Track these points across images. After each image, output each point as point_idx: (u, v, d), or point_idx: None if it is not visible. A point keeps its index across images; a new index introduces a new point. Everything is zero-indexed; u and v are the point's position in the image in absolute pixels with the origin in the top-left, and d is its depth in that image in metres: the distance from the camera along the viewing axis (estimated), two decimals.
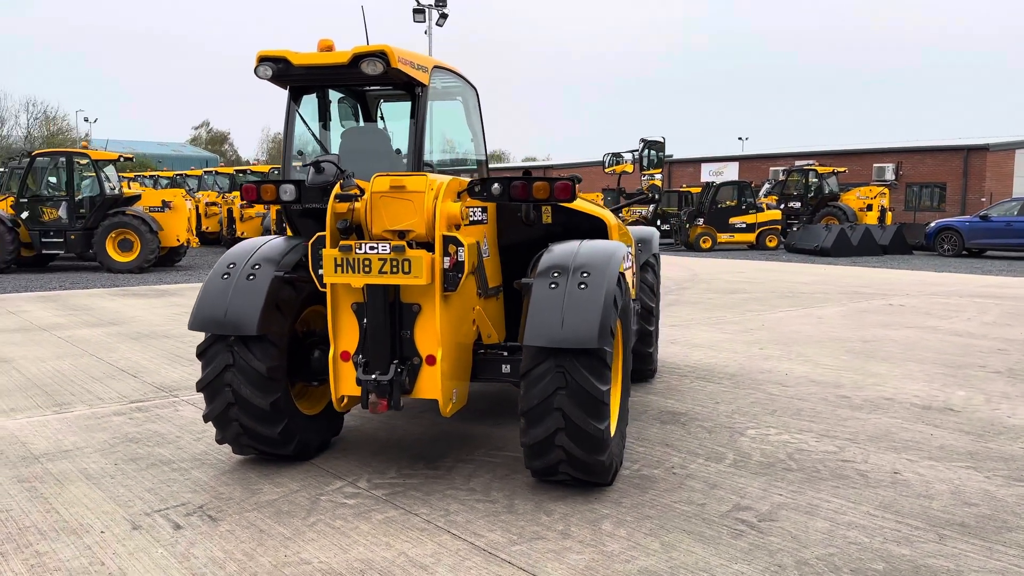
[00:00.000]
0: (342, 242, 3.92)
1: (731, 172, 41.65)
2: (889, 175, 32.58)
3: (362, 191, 4.02)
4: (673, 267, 18.13)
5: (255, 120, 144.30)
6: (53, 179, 16.69)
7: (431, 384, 4.02)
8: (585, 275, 3.95)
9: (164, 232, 16.23)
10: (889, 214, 26.95)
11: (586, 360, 3.83)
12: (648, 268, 6.38)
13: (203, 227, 23.19)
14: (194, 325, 4.21)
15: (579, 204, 4.86)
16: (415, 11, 18.72)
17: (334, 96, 5.30)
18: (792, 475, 4.44)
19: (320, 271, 4.02)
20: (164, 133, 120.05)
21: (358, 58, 4.42)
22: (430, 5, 18.34)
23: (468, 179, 4.31)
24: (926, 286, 14.47)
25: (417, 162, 4.76)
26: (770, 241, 24.86)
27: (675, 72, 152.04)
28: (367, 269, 3.88)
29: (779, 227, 25.20)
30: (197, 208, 21.26)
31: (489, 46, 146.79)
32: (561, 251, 4.18)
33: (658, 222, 26.91)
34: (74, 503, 4.01)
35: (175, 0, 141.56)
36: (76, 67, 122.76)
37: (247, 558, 3.40)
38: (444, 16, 18.82)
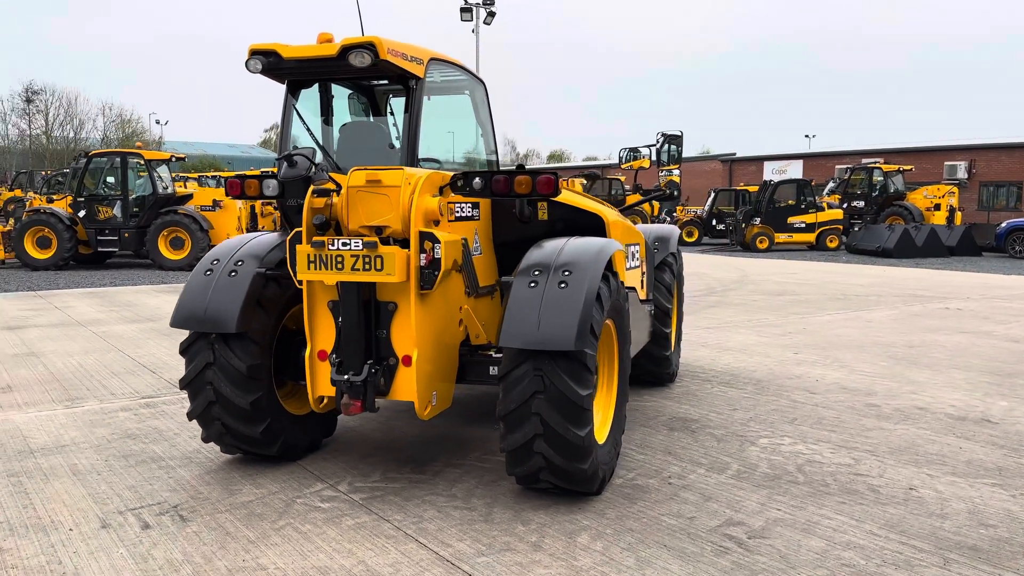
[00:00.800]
0: (315, 238, 3.82)
1: (795, 170, 40.60)
2: (961, 173, 31.28)
3: (339, 186, 3.91)
4: (723, 268, 17.68)
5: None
6: (110, 179, 17.14)
7: (407, 386, 3.88)
8: (567, 274, 3.75)
9: (214, 230, 16.52)
10: (959, 214, 25.80)
11: (565, 363, 3.64)
12: (665, 268, 6.13)
13: (259, 226, 23.57)
14: (175, 322, 4.16)
15: (576, 200, 4.66)
16: (462, 10, 18.64)
17: (343, 92, 5.21)
18: (797, 488, 4.17)
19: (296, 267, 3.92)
20: (236, 135, 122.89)
21: (346, 50, 4.30)
22: (477, 4, 18.25)
23: (451, 173, 4.15)
24: (989, 289, 13.75)
25: (411, 156, 4.61)
26: (831, 242, 24.06)
27: (739, 68, 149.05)
28: (340, 266, 3.76)
29: (841, 227, 24.36)
30: (253, 208, 21.60)
31: (543, 44, 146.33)
32: (546, 249, 4.00)
33: (713, 221, 26.35)
34: (53, 499, 3.99)
35: (249, 6, 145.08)
36: (152, 72, 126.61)
37: (205, 562, 3.32)
38: (492, 15, 18.69)
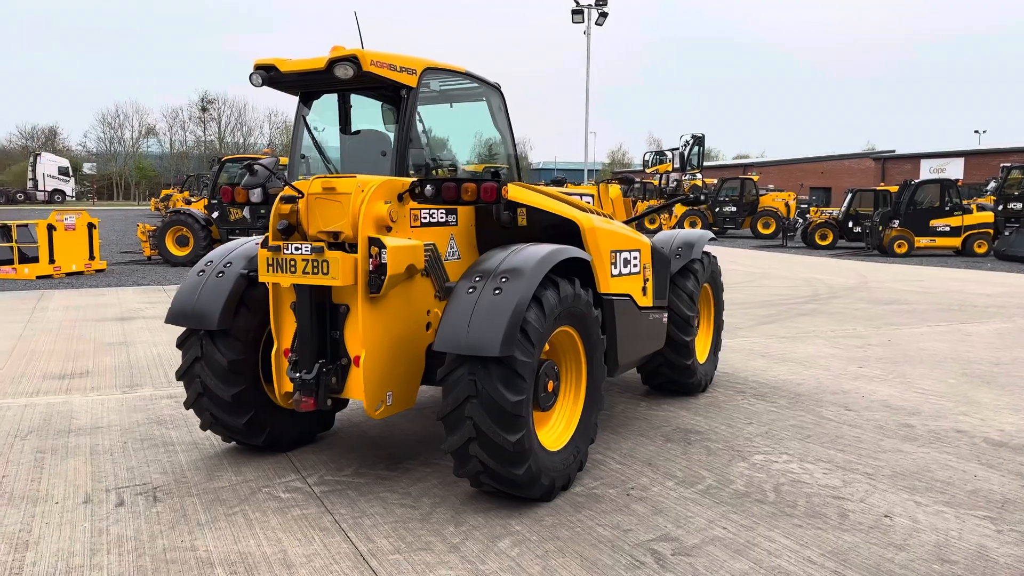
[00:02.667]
0: (272, 242, 4.04)
1: (954, 169, 37.77)
2: None
3: (301, 193, 4.12)
4: (843, 273, 16.77)
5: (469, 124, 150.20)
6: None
7: (358, 385, 4.03)
8: (503, 281, 3.79)
9: None
10: None
11: (497, 369, 3.68)
12: (689, 274, 5.97)
13: None
14: (168, 318, 4.51)
15: (552, 206, 4.65)
16: (573, 12, 18.58)
17: (365, 101, 5.44)
18: (759, 508, 4.00)
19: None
20: None
21: (332, 63, 4.51)
22: (589, 5, 18.10)
23: (413, 180, 4.26)
24: None
25: (400, 164, 4.77)
26: (979, 247, 22.22)
27: (898, 64, 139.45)
28: (292, 269, 3.97)
29: (991, 231, 22.44)
30: None
31: (697, 43, 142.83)
32: (495, 256, 4.04)
33: (850, 224, 24.97)
34: (59, 475, 4.43)
35: (402, 11, 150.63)
36: None
37: (148, 540, 3.61)
38: (604, 15, 18.48)
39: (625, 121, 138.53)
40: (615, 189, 6.90)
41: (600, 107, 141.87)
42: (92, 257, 15.81)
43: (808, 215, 25.46)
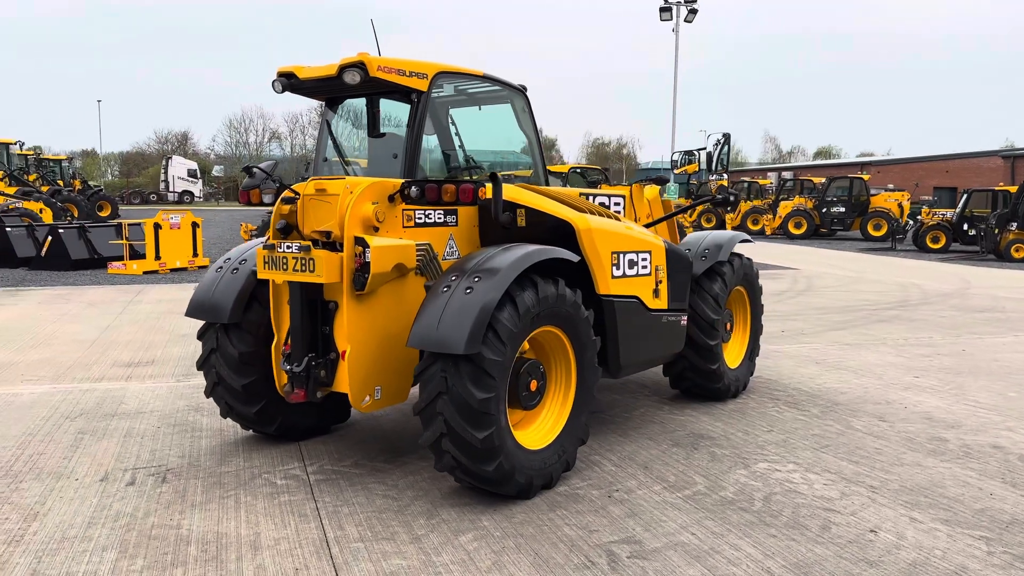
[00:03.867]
0: (268, 241, 4.26)
1: None
2: None
3: (298, 194, 4.32)
4: (944, 278, 15.86)
5: (578, 125, 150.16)
6: None
7: (343, 379, 4.19)
8: (476, 280, 3.86)
9: None
10: None
11: (467, 366, 3.76)
12: (716, 277, 5.85)
13: None
14: (188, 311, 4.80)
15: (549, 207, 4.68)
16: (661, 9, 18.31)
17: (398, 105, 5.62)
18: (739, 516, 3.92)
19: None
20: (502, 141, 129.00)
21: (341, 69, 4.70)
22: (678, 2, 17.77)
23: (403, 182, 4.37)
24: None
25: (411, 167, 4.90)
26: None
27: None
28: (285, 267, 4.17)
29: None
30: None
31: (816, 36, 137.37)
32: (475, 256, 4.12)
33: (964, 226, 23.54)
34: (89, 454, 4.80)
35: (533, 13, 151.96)
36: None
37: (142, 517, 3.88)
38: (693, 12, 18.12)
39: (738, 118, 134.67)
40: (652, 190, 6.84)
41: (709, 104, 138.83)
42: (196, 254, 16.77)
43: (920, 216, 24.13)
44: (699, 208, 17.87)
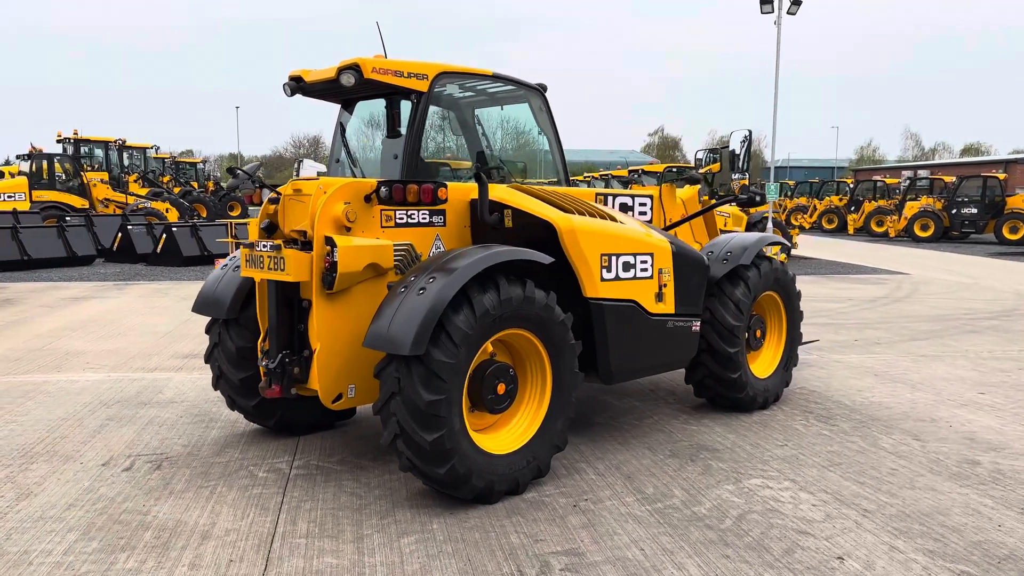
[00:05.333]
0: (249, 240, 4.38)
1: None
2: None
3: (279, 195, 4.42)
4: None
5: (704, 124, 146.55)
6: None
7: (315, 376, 4.26)
8: (430, 280, 3.84)
9: None
10: None
11: (418, 368, 3.75)
12: (739, 281, 5.57)
13: None
14: (193, 307, 5.01)
15: (534, 207, 4.58)
16: (762, 2, 17.55)
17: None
18: (701, 534, 3.73)
19: None
20: (620, 142, 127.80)
21: (339, 72, 4.79)
22: None
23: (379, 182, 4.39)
24: None
25: (410, 167, 4.94)
26: None
27: None
28: (261, 265, 4.28)
29: None
30: None
31: (964, 29, 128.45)
32: (440, 257, 4.10)
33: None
34: (107, 439, 5.09)
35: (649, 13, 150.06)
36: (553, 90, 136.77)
37: (121, 501, 4.08)
38: (797, 3, 17.26)
39: (875, 114, 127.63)
40: (688, 190, 6.59)
41: (845, 100, 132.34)
42: None
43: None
44: (758, 208, 17.05)
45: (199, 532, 3.72)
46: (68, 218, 18.40)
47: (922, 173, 45.72)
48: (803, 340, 8.10)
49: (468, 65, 5.27)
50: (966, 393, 6.46)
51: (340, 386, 4.28)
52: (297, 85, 5.12)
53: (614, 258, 4.73)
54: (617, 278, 4.74)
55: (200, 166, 38.71)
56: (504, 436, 4.24)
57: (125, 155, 26.87)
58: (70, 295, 12.02)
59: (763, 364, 6.00)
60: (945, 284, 14.70)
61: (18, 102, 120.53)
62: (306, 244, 4.27)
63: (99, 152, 24.58)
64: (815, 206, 35.62)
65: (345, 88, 4.82)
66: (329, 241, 4.12)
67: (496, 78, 5.45)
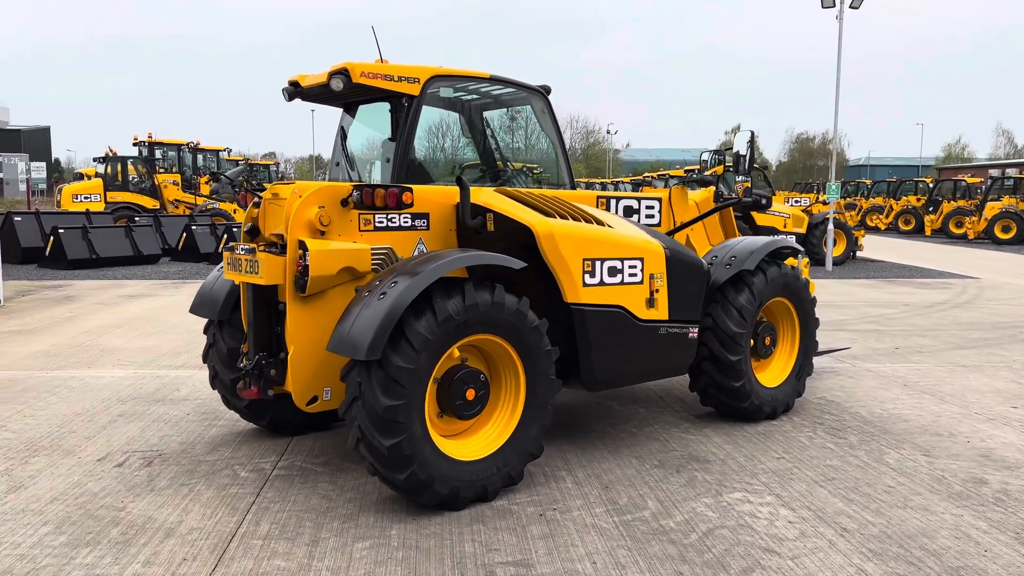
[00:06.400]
0: (231, 244, 4.45)
1: None
2: None
3: (260, 198, 4.48)
4: None
5: (782, 122, 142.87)
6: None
7: (288, 378, 4.30)
8: (392, 285, 3.83)
9: None
10: None
11: (378, 373, 3.75)
12: (743, 286, 5.39)
13: None
14: (191, 308, 5.13)
15: (513, 211, 4.51)
16: None
17: (432, 110, 5.70)
18: (660, 548, 3.62)
19: None
20: (692, 141, 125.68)
21: (329, 76, 4.84)
22: None
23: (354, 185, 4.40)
24: None
25: (400, 170, 4.95)
26: None
27: None
28: (239, 268, 4.35)
29: None
30: None
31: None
32: (407, 261, 4.09)
33: None
34: (109, 435, 5.25)
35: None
36: (611, 89, 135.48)
37: (101, 496, 4.21)
38: None
39: (967, 111, 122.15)
40: (703, 192, 6.42)
41: (932, 95, 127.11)
42: None
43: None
44: (791, 214, 16.52)
45: (164, 530, 3.80)
46: (137, 218, 19.14)
47: (1010, 172, 43.67)
48: (833, 348, 7.83)
49: (463, 68, 5.26)
50: (997, 407, 6.11)
51: (314, 389, 4.31)
52: (295, 90, 5.20)
53: (598, 263, 4.64)
54: (602, 283, 4.65)
55: (273, 168, 39.74)
56: (475, 442, 4.20)
57: (200, 157, 27.81)
58: (126, 293, 12.49)
59: (773, 373, 5.80)
60: (1015, 290, 13.98)
61: (110, 109, 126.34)
62: (283, 248, 4.32)
63: (172, 154, 25.48)
64: (891, 206, 34.37)
65: (335, 92, 4.87)
66: (302, 245, 4.16)
67: (495, 80, 5.42)
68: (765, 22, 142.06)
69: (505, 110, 5.97)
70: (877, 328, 9.78)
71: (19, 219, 17.36)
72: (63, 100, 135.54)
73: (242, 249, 4.35)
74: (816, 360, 7.58)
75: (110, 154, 22.39)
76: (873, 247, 23.17)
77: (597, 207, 5.53)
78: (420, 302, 3.82)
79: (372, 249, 4.40)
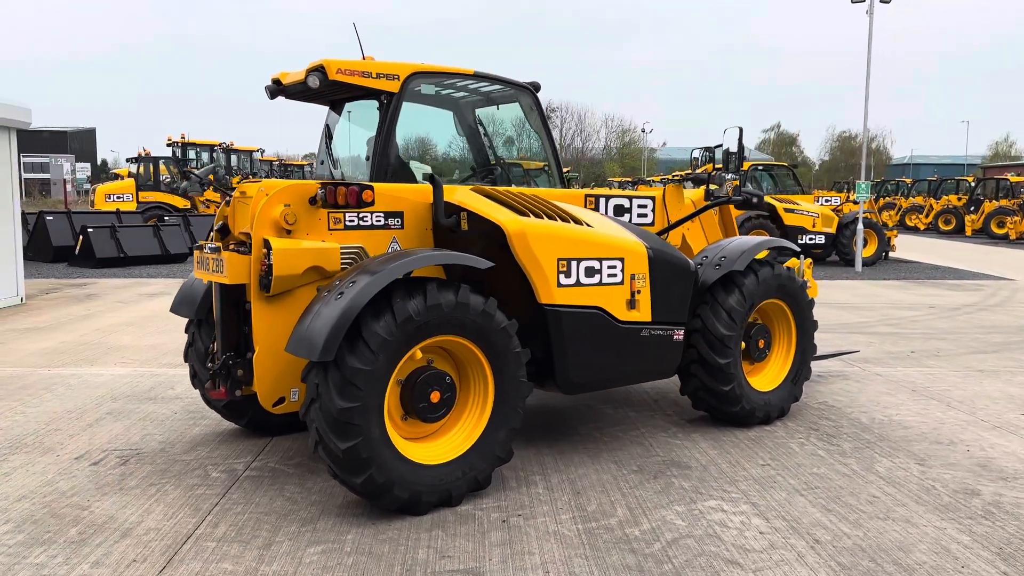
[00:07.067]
0: (200, 242, 4.43)
1: None
2: None
3: (230, 197, 4.45)
4: None
5: (822, 120, 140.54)
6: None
7: (255, 379, 4.25)
8: (350, 285, 3.77)
9: None
10: None
11: (335, 375, 3.69)
12: (733, 287, 5.23)
13: None
14: (171, 308, 5.12)
15: (486, 210, 4.42)
16: None
17: (418, 107, 5.65)
18: (619, 557, 3.51)
19: None
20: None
21: (307, 74, 4.80)
22: None
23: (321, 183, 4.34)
24: None
25: (379, 168, 4.90)
26: None
27: None
28: (207, 267, 4.32)
29: None
30: None
31: None
32: (369, 261, 4.02)
33: None
34: (93, 433, 5.27)
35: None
36: (651, 89, 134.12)
37: (70, 495, 4.21)
38: None
39: (1016, 108, 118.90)
40: (698, 191, 6.26)
41: (981, 92, 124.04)
42: None
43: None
44: (804, 214, 16.21)
45: (121, 530, 3.78)
46: (166, 218, 19.40)
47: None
48: (842, 351, 7.61)
49: (446, 64, 5.18)
50: (1006, 414, 5.87)
51: (281, 390, 4.27)
52: (277, 87, 5.17)
53: (575, 263, 4.52)
54: (578, 283, 4.54)
55: (307, 168, 40.12)
56: (441, 446, 4.12)
57: (233, 158, 28.14)
58: (147, 291, 12.64)
59: (767, 377, 5.63)
60: None
61: (153, 109, 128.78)
62: (250, 247, 4.28)
63: (205, 156, 25.83)
64: (931, 206, 33.57)
65: (313, 90, 4.82)
66: (267, 244, 4.11)
67: (479, 77, 5.33)
68: (805, 18, 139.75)
69: (496, 108, 5.87)
70: (895, 331, 9.50)
71: (51, 218, 17.69)
72: (110, 100, 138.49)
73: (209, 248, 4.32)
74: (825, 364, 7.37)
75: (143, 154, 22.76)
76: (908, 247, 22.63)
77: (585, 206, 5.42)
78: (379, 302, 3.75)
79: (342, 248, 4.34)
